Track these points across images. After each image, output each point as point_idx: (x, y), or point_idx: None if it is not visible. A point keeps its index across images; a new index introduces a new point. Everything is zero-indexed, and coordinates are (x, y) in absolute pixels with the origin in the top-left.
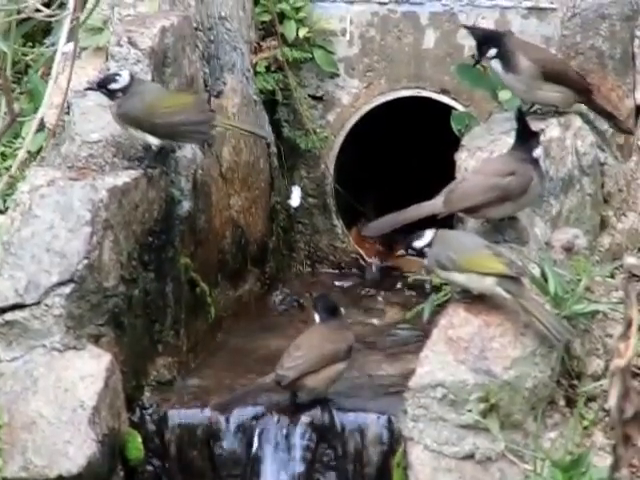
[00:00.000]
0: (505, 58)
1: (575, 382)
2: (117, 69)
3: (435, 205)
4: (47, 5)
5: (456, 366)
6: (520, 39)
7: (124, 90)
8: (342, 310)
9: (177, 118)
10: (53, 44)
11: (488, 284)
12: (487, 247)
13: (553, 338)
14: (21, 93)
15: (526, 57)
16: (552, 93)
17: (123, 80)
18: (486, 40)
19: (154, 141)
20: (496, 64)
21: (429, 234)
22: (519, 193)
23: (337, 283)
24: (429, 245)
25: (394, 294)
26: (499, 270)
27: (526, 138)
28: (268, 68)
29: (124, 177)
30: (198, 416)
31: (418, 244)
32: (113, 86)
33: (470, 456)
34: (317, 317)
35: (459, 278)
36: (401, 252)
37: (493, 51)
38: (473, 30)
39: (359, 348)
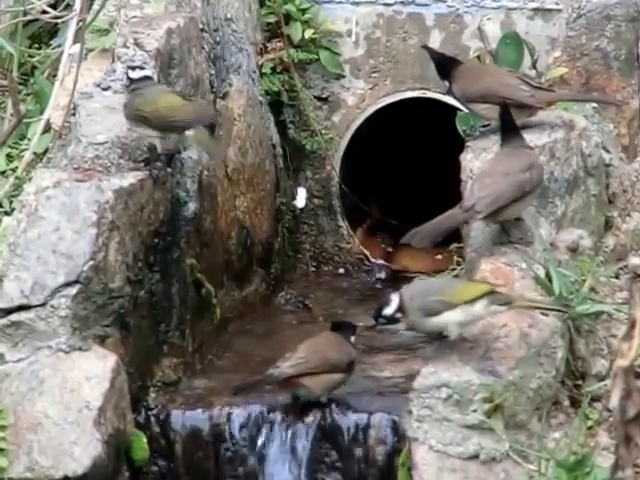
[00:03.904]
0: (450, 85)
1: (579, 382)
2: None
3: (467, 213)
4: (53, 7)
5: (461, 366)
6: (469, 66)
7: (133, 82)
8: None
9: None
10: (59, 45)
11: (479, 308)
12: (457, 280)
13: (564, 310)
14: (27, 94)
15: (458, 84)
16: (482, 111)
17: (139, 74)
18: (440, 68)
19: (153, 133)
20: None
21: (395, 299)
22: (538, 184)
23: (342, 284)
24: (400, 310)
25: None
26: (486, 289)
27: (513, 129)
28: (274, 69)
29: (130, 178)
30: (203, 417)
31: (388, 311)
32: (130, 73)
33: (475, 456)
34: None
35: (452, 316)
36: (371, 323)
37: (446, 82)
38: (432, 54)
39: (364, 349)
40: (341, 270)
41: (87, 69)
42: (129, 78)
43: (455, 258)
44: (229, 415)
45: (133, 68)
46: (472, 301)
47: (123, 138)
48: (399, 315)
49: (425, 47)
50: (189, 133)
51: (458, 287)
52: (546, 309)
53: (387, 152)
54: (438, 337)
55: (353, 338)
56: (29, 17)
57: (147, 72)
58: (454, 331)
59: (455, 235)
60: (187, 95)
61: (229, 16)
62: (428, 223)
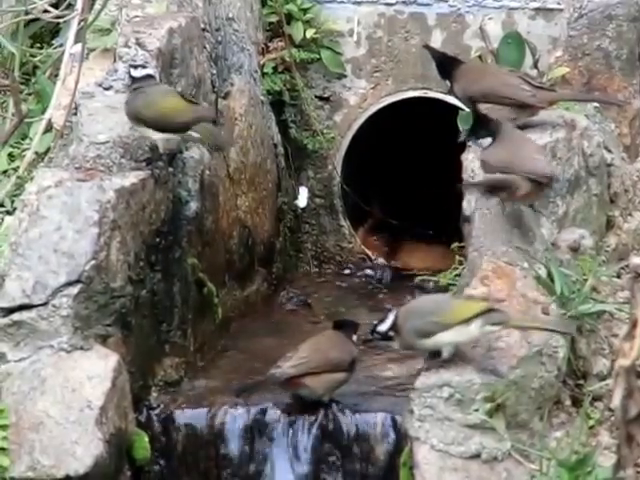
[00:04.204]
0: (452, 85)
1: (581, 382)
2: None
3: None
4: (55, 6)
5: (462, 366)
6: (471, 66)
7: (135, 81)
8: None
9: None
10: (61, 45)
11: (474, 328)
12: (454, 297)
13: (562, 332)
14: (29, 94)
15: (460, 83)
16: (483, 110)
17: (141, 72)
18: (441, 68)
19: (154, 135)
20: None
21: (391, 317)
22: None
23: (343, 283)
24: (392, 328)
25: (401, 294)
26: (482, 308)
27: (491, 120)
28: (275, 69)
29: (131, 178)
30: (205, 416)
31: (382, 328)
32: (132, 72)
33: (476, 456)
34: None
35: (447, 337)
36: (368, 337)
37: (448, 81)
38: (433, 53)
39: (365, 349)
40: (342, 269)
41: (89, 69)
42: (131, 77)
43: (457, 257)
44: (231, 415)
45: (135, 67)
46: (467, 321)
47: (125, 138)
48: (392, 334)
49: (426, 47)
50: (192, 133)
51: (453, 307)
52: (544, 330)
53: (388, 152)
54: (435, 355)
55: (355, 337)
56: (31, 16)
57: (149, 71)
58: (448, 350)
59: (457, 234)
60: (189, 95)
61: (231, 16)
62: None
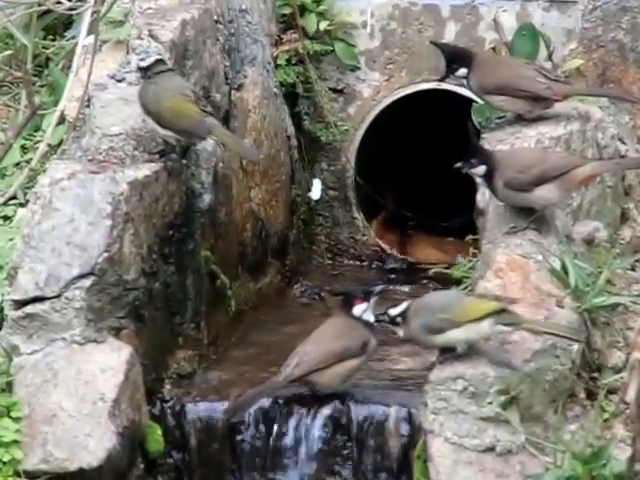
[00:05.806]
0: (467, 77)
1: (595, 375)
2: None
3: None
4: None
5: (476, 359)
6: (486, 58)
7: (146, 70)
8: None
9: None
10: (74, 37)
11: (485, 327)
12: (466, 294)
13: (574, 339)
14: (42, 86)
15: (475, 75)
16: (498, 103)
17: (147, 61)
18: (456, 59)
19: (160, 131)
20: (465, 81)
21: (404, 304)
22: None
23: (357, 276)
24: (402, 315)
25: (415, 286)
26: (494, 307)
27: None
28: (289, 61)
29: (145, 170)
30: (218, 409)
31: (392, 312)
32: (140, 63)
33: (491, 448)
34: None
35: (457, 334)
36: (380, 317)
37: (463, 71)
38: (443, 47)
39: (382, 341)
40: (356, 262)
41: (101, 61)
42: (141, 69)
43: (471, 250)
44: (237, 418)
45: (142, 59)
46: (478, 320)
47: (138, 130)
48: (399, 320)
49: (434, 43)
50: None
51: (465, 305)
52: (555, 335)
53: (402, 144)
54: (445, 350)
55: (366, 305)
56: (44, 8)
57: (152, 58)
58: (462, 346)
59: (471, 227)
60: (199, 94)
61: (244, 7)
62: None
